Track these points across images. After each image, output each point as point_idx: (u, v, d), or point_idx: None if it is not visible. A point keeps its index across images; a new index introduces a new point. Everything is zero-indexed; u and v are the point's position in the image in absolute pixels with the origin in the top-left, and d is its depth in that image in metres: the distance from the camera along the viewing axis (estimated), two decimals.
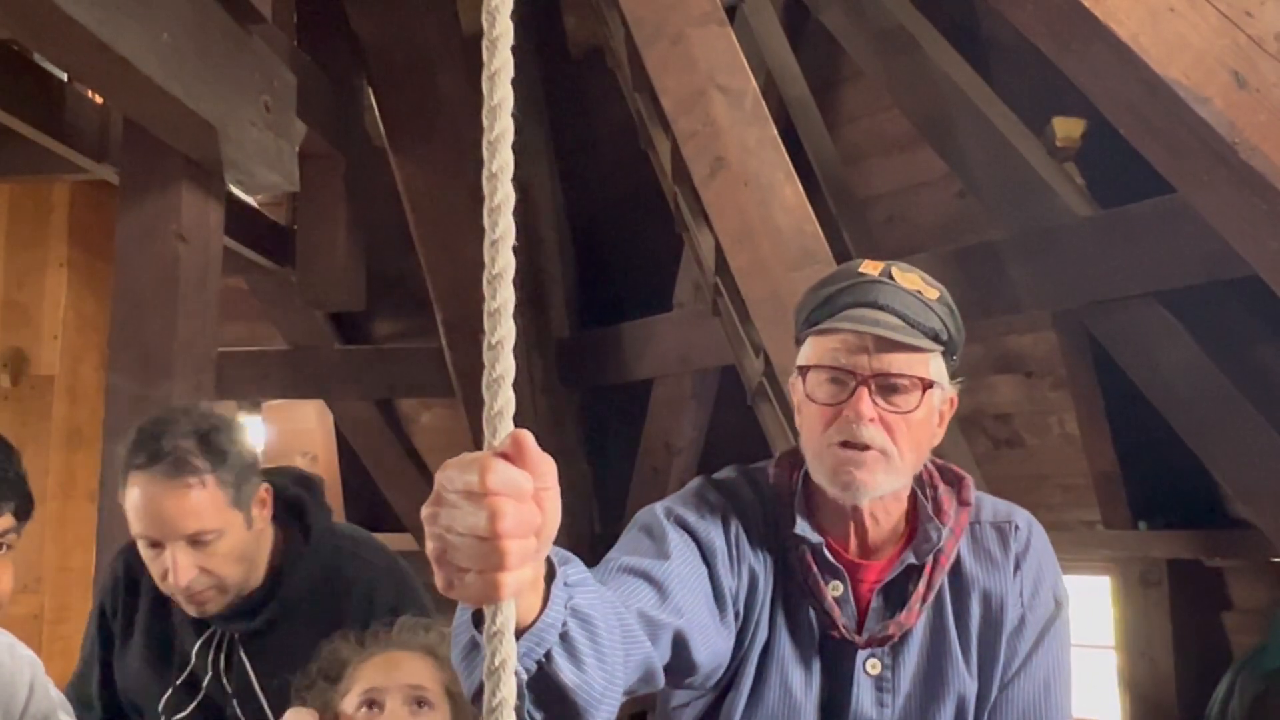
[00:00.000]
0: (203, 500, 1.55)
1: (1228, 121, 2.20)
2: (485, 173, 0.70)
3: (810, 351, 1.32)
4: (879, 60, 4.04)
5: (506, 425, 0.71)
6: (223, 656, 1.70)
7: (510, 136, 0.70)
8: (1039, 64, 3.12)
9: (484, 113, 0.70)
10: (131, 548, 1.77)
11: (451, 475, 0.71)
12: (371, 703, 1.44)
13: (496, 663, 0.71)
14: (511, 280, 0.70)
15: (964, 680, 1.33)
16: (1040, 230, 3.69)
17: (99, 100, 3.36)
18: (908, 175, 4.64)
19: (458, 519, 0.70)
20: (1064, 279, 3.70)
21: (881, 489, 1.29)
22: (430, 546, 0.73)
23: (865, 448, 1.27)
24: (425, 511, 0.73)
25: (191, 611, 1.64)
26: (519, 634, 0.89)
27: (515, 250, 0.71)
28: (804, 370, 1.32)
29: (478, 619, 0.90)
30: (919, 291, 1.30)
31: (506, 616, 0.73)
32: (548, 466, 0.73)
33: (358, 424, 6.01)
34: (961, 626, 1.34)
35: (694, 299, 4.89)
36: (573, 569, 0.97)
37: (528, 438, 0.71)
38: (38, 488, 1.72)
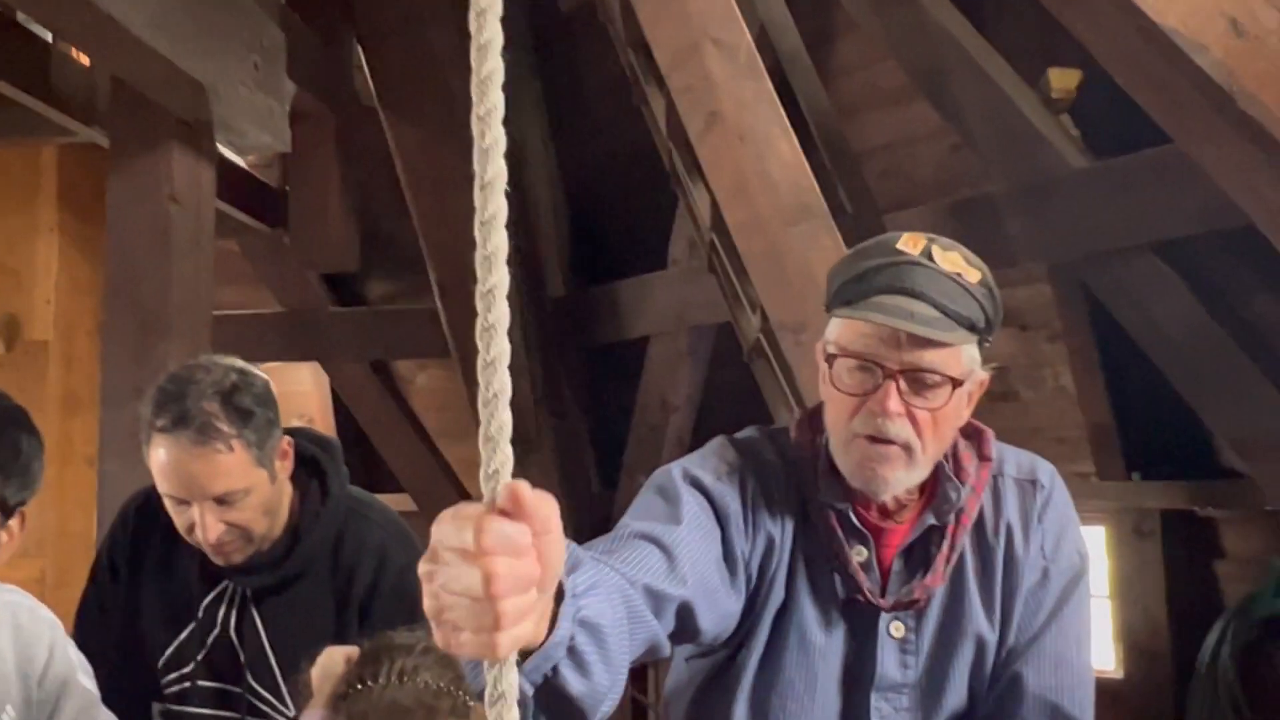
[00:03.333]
0: (229, 463, 1.56)
1: (1225, 70, 2.18)
2: (474, 114, 0.67)
3: (840, 333, 1.28)
4: (873, 12, 4.00)
5: (503, 375, 0.68)
6: (234, 613, 1.70)
7: (500, 76, 0.67)
8: (1035, 14, 3.10)
9: (472, 52, 0.67)
10: (139, 499, 1.79)
11: (446, 531, 0.69)
12: None
13: (499, 691, 0.70)
14: (504, 225, 0.68)
15: (985, 636, 1.32)
16: (1036, 183, 3.68)
17: (86, 61, 3.32)
18: (903, 128, 4.61)
19: (452, 579, 0.68)
20: (1060, 231, 3.69)
21: (902, 484, 1.27)
22: (427, 604, 0.71)
23: (890, 442, 1.24)
24: (422, 569, 0.71)
25: (218, 561, 1.65)
26: (526, 654, 0.90)
27: (507, 204, 0.69)
28: (830, 357, 1.28)
29: None
30: (959, 274, 1.24)
31: (508, 683, 0.71)
32: (547, 510, 0.70)
33: (353, 386, 6.00)
34: (984, 583, 1.33)
35: (689, 256, 4.88)
36: (581, 574, 0.96)
37: (523, 489, 0.68)
38: None
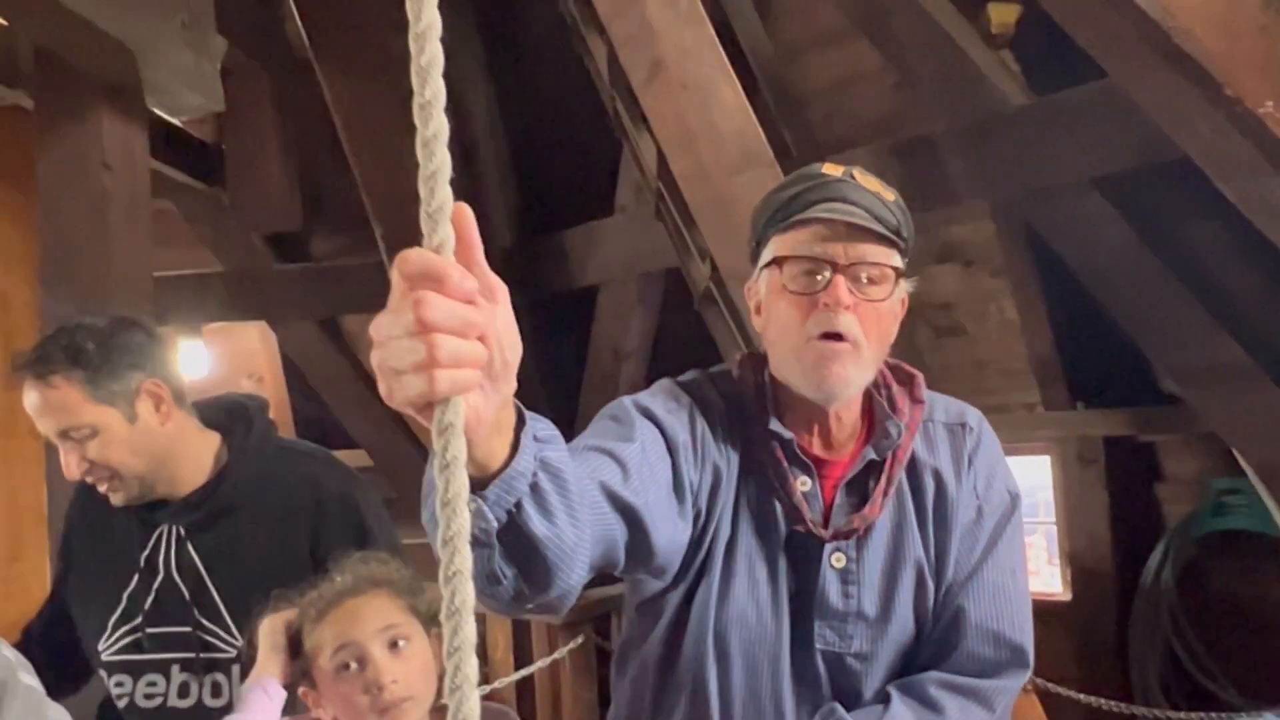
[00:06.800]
0: (57, 399, 1.63)
1: (1160, 6, 2.20)
2: (414, 66, 0.67)
3: (782, 245, 1.33)
4: None
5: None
6: (173, 555, 1.75)
7: (438, 29, 0.66)
8: None
9: (410, 39, 0.66)
10: None
11: (393, 282, 0.70)
12: (348, 663, 1.42)
13: (450, 495, 0.68)
14: (449, 180, 0.68)
15: (924, 569, 1.39)
16: (977, 120, 3.70)
17: (3, 22, 3.20)
18: (844, 69, 4.60)
19: (392, 321, 0.69)
20: (1001, 168, 3.73)
21: (853, 385, 1.32)
22: (373, 356, 0.72)
23: (840, 338, 1.29)
24: (371, 325, 0.71)
25: (115, 502, 1.72)
26: (488, 481, 0.90)
27: (450, 152, 0.68)
28: (780, 261, 1.32)
29: None
30: (878, 193, 1.33)
31: (457, 448, 0.70)
32: (495, 283, 0.73)
33: (302, 344, 5.92)
34: (920, 519, 1.39)
35: (636, 202, 4.86)
36: (542, 425, 0.97)
37: (472, 243, 0.71)
38: None
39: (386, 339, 0.70)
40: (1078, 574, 4.87)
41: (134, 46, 2.52)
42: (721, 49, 2.62)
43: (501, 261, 5.36)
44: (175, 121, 4.54)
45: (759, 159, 2.40)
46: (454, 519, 0.68)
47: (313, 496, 1.75)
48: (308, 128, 4.88)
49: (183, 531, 1.75)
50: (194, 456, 1.75)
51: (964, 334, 4.92)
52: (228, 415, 1.81)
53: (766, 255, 1.35)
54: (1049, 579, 4.99)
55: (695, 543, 1.34)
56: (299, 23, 4.57)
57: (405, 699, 1.40)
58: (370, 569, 1.52)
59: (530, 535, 0.95)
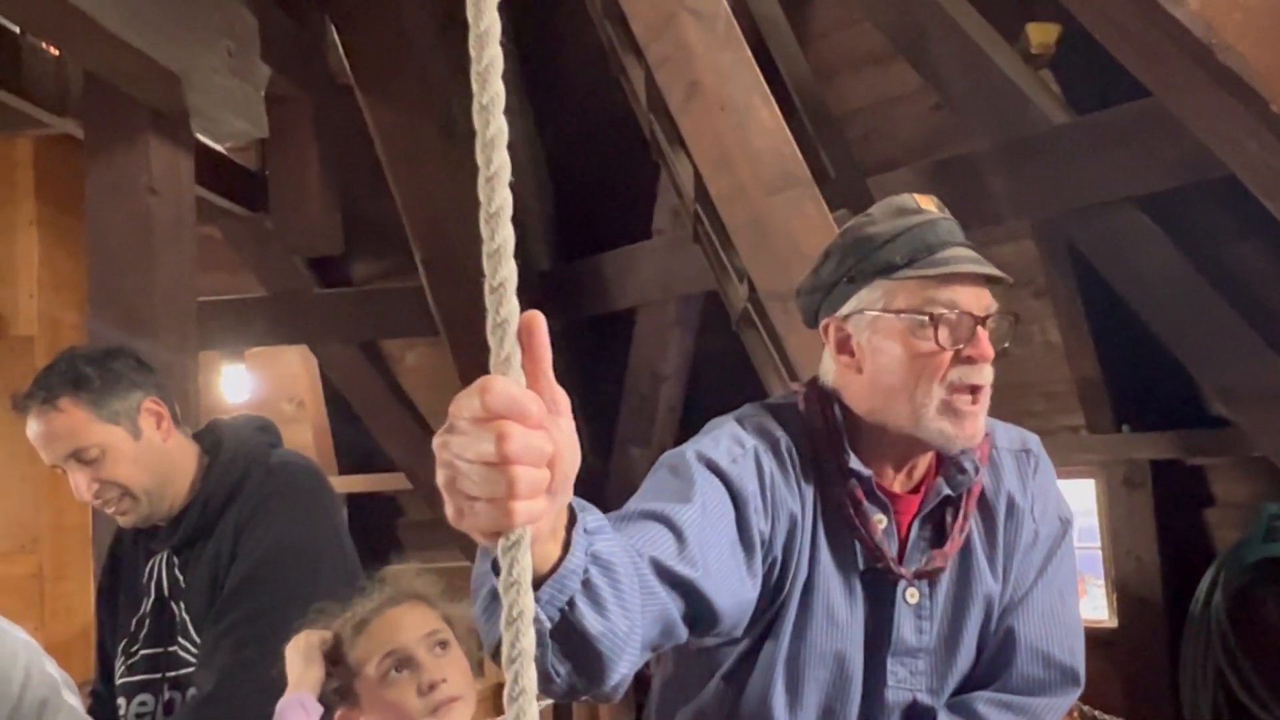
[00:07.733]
0: (64, 423, 1.70)
1: (1203, 22, 2.17)
2: (475, 105, 0.67)
3: (920, 295, 1.28)
4: None
5: (516, 369, 0.69)
6: (164, 578, 1.82)
7: (500, 65, 0.67)
8: None
9: (470, 41, 0.67)
10: None
11: (461, 402, 0.68)
12: (396, 668, 1.45)
13: (515, 613, 0.69)
14: (510, 218, 0.68)
15: (993, 598, 1.38)
16: (1017, 140, 3.67)
17: (55, 52, 3.28)
18: (883, 90, 4.59)
19: (466, 446, 0.68)
20: (1042, 188, 3.69)
21: (982, 435, 1.32)
22: (440, 476, 0.70)
23: (976, 391, 1.28)
24: (436, 441, 0.70)
25: (124, 524, 1.81)
26: (540, 582, 0.88)
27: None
28: (935, 317, 1.27)
29: (498, 569, 0.88)
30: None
31: (523, 566, 0.70)
32: (559, 395, 0.71)
33: (342, 367, 5.99)
34: (989, 547, 1.38)
35: (673, 225, 4.87)
36: (590, 515, 0.95)
37: (539, 320, 0.69)
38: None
39: (456, 459, 0.69)
40: (1125, 601, 4.77)
41: (180, 73, 2.57)
42: (759, 70, 2.62)
43: (539, 285, 5.39)
44: (220, 149, 4.63)
45: (797, 179, 2.39)
46: (519, 639, 0.69)
47: (249, 507, 1.79)
48: (349, 154, 4.95)
49: (168, 553, 1.82)
50: (189, 476, 1.82)
51: (1005, 355, 4.86)
52: (209, 437, 1.89)
53: (876, 297, 1.30)
54: (1096, 605, 4.90)
55: (773, 589, 1.31)
56: (341, 50, 4.65)
57: (455, 698, 1.44)
58: (407, 582, 1.56)
59: (583, 631, 0.94)
